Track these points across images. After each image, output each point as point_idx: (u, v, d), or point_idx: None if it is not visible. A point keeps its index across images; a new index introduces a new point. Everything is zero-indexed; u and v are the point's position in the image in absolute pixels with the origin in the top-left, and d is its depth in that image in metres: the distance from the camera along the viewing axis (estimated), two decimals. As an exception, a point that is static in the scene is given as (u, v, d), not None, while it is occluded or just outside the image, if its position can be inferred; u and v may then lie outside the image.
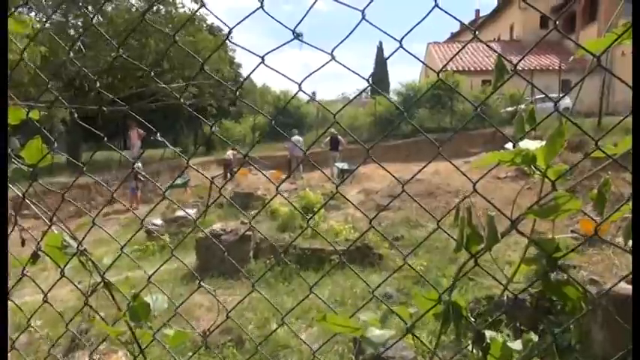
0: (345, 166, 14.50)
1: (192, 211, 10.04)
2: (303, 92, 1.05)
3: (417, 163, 15.60)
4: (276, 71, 1.06)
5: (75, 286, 1.33)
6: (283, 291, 6.93)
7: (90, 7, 15.00)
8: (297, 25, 0.94)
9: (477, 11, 40.61)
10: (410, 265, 1.32)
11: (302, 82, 1.03)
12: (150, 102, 17.27)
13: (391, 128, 17.32)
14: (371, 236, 8.64)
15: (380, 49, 53.73)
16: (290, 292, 6.92)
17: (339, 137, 15.75)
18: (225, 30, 1.01)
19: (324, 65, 1.00)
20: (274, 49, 1.01)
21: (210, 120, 21.58)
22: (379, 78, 47.61)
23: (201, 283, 1.47)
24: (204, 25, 17.88)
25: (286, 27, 0.99)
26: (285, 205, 11.44)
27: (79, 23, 15.42)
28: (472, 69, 24.65)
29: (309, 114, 21.96)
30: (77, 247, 1.04)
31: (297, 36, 0.90)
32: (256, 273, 7.41)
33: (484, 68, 24.52)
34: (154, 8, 16.08)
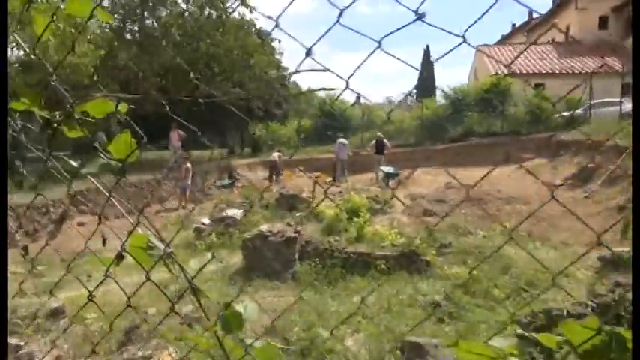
0: (390, 169, 14.31)
1: (239, 212, 10.18)
2: (351, 90, 0.98)
3: (466, 168, 15.17)
4: (327, 69, 1.00)
5: (161, 291, 1.31)
6: (329, 294, 6.88)
7: (146, 14, 15.61)
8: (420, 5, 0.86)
9: (530, 12, 39.17)
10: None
11: (349, 77, 0.96)
12: (187, 97, 17.74)
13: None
14: (418, 242, 8.47)
15: (427, 52, 52.91)
16: (335, 295, 6.87)
17: (385, 140, 15.57)
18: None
19: (371, 53, 0.93)
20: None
21: (257, 122, 21.92)
22: (426, 81, 46.89)
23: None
24: (253, 30, 18.19)
25: (366, 36, 0.94)
26: (330, 208, 11.42)
27: (136, 28, 16.06)
28: (525, 72, 23.80)
29: (354, 117, 21.87)
30: (164, 248, 1.01)
31: (420, 17, 0.83)
32: (302, 275, 7.41)
33: (537, 71, 23.62)
34: (205, 13, 16.51)
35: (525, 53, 26.57)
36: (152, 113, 18.00)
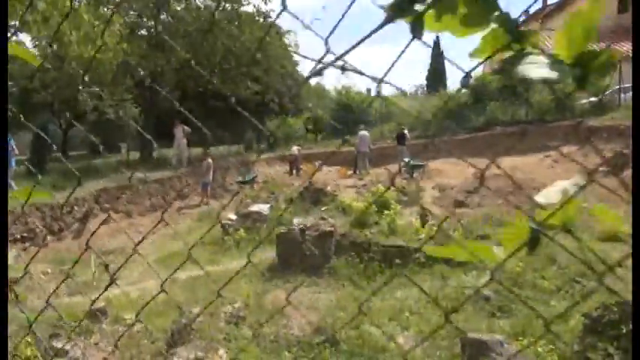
0: (415, 161, 13.99)
1: (265, 207, 9.95)
2: (387, 84, 0.72)
3: (491, 158, 14.80)
4: (358, 70, 0.73)
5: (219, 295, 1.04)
6: (369, 288, 6.63)
7: (161, 9, 15.38)
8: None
9: (545, -1, 38.36)
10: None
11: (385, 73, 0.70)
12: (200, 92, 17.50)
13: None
14: (456, 234, 8.18)
15: (436, 43, 52.24)
16: (376, 290, 6.62)
17: (405, 131, 15.24)
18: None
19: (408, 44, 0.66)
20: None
21: (272, 117, 21.68)
22: (436, 71, 46.36)
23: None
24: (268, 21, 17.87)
25: None
26: (357, 201, 11.15)
27: (151, 24, 15.85)
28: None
29: (372, 109, 21.54)
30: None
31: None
32: (339, 270, 7.17)
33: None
34: (221, 6, 16.23)
35: (545, 40, 26.02)
36: (169, 110, 17.88)
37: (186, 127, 15.79)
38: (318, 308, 5.96)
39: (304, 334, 5.07)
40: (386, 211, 9.53)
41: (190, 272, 7.80)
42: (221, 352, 4.11)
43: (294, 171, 15.67)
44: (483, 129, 16.11)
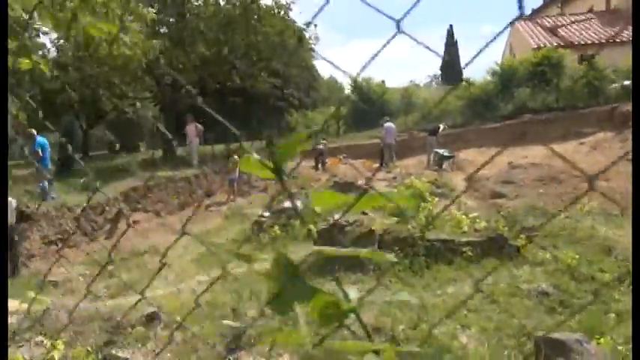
0: (445, 152, 13.64)
1: (298, 202, 9.72)
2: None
3: (522, 147, 14.39)
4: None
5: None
6: (419, 285, 6.39)
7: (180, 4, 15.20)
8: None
9: (564, -18, 37.39)
10: None
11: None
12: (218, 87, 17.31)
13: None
14: (500, 227, 7.87)
15: (450, 32, 51.40)
16: (426, 286, 6.37)
17: (441, 127, 14.87)
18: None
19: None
20: None
21: (292, 110, 21.47)
22: (450, 61, 45.65)
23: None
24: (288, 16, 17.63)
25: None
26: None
27: (171, 20, 15.67)
28: (571, 43, 22.60)
29: (393, 101, 21.17)
30: None
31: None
32: (384, 266, 6.93)
33: (584, 42, 22.37)
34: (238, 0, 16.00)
35: (566, 25, 25.31)
36: (189, 108, 17.74)
37: (198, 125, 15.41)
38: (369, 306, 5.73)
39: (361, 334, 4.83)
40: (422, 204, 9.26)
41: (231, 270, 7.65)
42: (285, 357, 3.91)
43: (320, 165, 15.43)
44: (512, 117, 15.67)
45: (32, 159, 9.33)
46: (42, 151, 9.01)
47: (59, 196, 10.15)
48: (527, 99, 15.85)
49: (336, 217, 7.33)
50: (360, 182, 11.69)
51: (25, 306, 5.15)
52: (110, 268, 8.41)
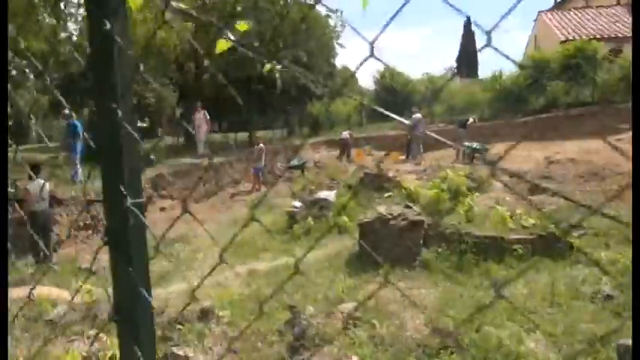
0: (477, 145, 13.25)
1: (332, 194, 9.45)
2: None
3: (554, 142, 13.95)
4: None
5: None
6: (470, 284, 6.09)
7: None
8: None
9: (591, -27, 36.38)
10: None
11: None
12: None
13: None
14: (547, 224, 7.52)
15: (467, 25, 50.48)
16: (477, 285, 6.07)
17: (470, 120, 14.47)
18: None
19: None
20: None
21: (314, 101, 21.12)
22: (467, 52, 44.90)
23: None
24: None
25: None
26: (423, 188, 10.55)
27: (197, 4, 15.32)
28: (600, 36, 21.93)
29: (417, 91, 20.73)
30: None
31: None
32: (431, 263, 6.63)
33: (613, 35, 21.69)
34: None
35: (594, 17, 24.60)
36: (211, 95, 17.46)
37: (207, 114, 14.85)
38: (422, 306, 5.45)
39: (421, 336, 4.57)
40: (462, 199, 8.94)
41: (269, 262, 7.40)
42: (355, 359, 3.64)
43: (345, 156, 15.12)
44: (544, 111, 15.21)
45: (65, 142, 9.13)
46: (75, 135, 8.75)
47: (86, 180, 9.95)
48: (560, 93, 15.35)
49: (380, 210, 7.04)
50: (392, 174, 11.37)
51: (66, 294, 4.93)
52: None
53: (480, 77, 29.47)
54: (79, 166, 9.06)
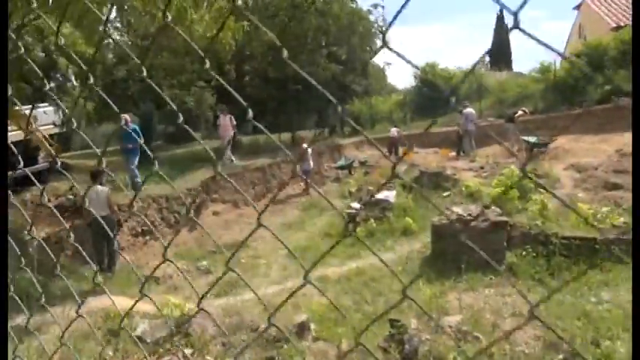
0: (536, 139, 12.58)
1: (391, 194, 9.04)
2: None
3: (619, 133, 13.07)
4: None
5: None
6: (564, 290, 5.57)
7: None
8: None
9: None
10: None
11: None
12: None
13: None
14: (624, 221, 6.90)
15: (500, 17, 49.04)
16: (574, 291, 5.54)
17: (520, 111, 13.75)
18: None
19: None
20: None
21: (354, 99, 20.70)
22: (500, 45, 43.62)
23: None
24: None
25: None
26: (485, 186, 10.03)
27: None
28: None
29: (461, 85, 20.01)
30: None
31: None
32: (518, 267, 6.14)
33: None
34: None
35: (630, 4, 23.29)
36: (251, 97, 17.25)
37: (232, 118, 14.17)
38: (519, 315, 4.97)
39: (535, 350, 4.11)
40: (532, 196, 8.40)
41: (337, 268, 7.05)
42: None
43: (394, 154, 14.65)
44: (604, 101, 14.34)
45: (125, 146, 9.04)
46: (134, 139, 8.55)
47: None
48: (623, 82, 14.42)
49: (458, 210, 6.59)
50: (449, 172, 10.86)
51: (148, 308, 4.68)
52: (203, 263, 8.00)
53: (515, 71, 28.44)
54: (137, 171, 8.95)
